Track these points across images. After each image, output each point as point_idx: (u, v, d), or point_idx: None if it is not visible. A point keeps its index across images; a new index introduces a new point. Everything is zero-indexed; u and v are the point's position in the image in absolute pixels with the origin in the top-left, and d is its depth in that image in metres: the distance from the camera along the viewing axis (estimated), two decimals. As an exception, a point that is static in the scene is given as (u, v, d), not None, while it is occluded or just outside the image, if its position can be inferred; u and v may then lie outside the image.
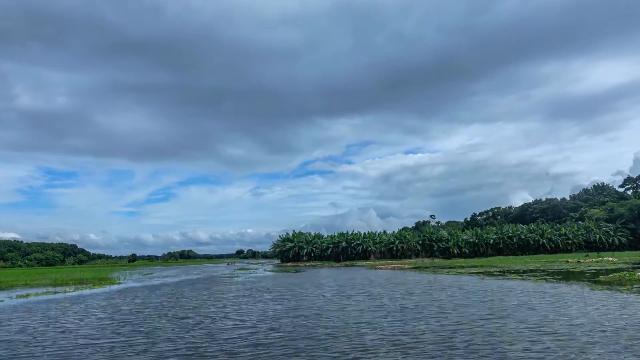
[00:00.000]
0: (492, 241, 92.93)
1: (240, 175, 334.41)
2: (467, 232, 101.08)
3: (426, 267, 47.99)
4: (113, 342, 10.58)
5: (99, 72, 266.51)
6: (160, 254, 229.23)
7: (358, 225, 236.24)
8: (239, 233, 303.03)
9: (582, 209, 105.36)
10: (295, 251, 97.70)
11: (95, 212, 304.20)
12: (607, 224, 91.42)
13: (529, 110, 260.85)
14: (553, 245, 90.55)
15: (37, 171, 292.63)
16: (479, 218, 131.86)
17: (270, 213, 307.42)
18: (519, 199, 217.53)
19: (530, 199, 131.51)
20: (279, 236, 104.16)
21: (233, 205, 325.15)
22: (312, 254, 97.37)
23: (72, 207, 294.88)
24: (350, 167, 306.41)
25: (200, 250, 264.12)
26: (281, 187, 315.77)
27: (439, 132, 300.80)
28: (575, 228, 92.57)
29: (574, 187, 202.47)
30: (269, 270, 57.22)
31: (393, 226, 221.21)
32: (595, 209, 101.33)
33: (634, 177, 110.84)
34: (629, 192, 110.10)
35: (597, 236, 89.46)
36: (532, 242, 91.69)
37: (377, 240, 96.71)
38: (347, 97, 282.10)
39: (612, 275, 24.76)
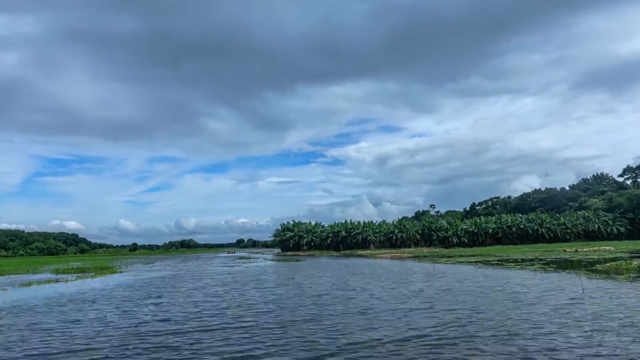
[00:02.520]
0: (491, 231, 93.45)
1: (230, 157, 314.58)
2: (467, 221, 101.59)
3: (425, 256, 48.35)
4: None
5: (27, 15, 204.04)
6: (160, 243, 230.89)
7: (352, 213, 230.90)
8: (235, 222, 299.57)
9: (582, 198, 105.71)
10: (295, 240, 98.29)
11: (92, 201, 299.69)
12: (606, 214, 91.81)
13: (556, 79, 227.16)
14: (552, 235, 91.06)
15: (26, 158, 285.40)
16: (478, 208, 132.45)
17: (265, 202, 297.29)
18: (528, 185, 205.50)
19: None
20: (281, 225, 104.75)
21: (229, 194, 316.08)
22: (312, 243, 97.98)
23: (67, 196, 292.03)
24: (346, 151, 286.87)
25: (200, 239, 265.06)
26: (276, 175, 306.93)
27: (450, 111, 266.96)
28: (574, 217, 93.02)
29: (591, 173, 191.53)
30: (270, 260, 57.66)
31: (389, 214, 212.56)
32: (595, 198, 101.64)
33: (634, 166, 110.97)
34: (628, 182, 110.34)
35: (596, 226, 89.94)
36: (531, 231, 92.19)
37: (377, 230, 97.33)
38: (344, 58, 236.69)
39: (609, 264, 24.99)
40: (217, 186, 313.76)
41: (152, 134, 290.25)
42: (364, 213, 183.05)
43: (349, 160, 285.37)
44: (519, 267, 26.99)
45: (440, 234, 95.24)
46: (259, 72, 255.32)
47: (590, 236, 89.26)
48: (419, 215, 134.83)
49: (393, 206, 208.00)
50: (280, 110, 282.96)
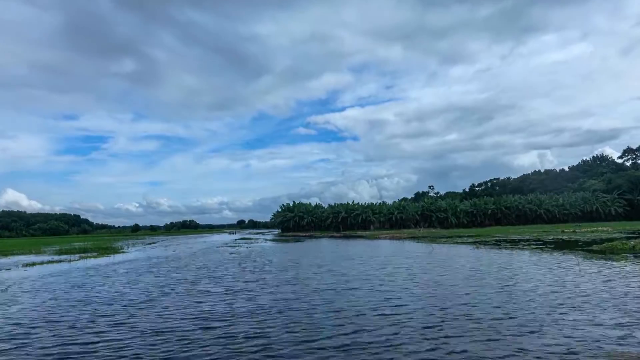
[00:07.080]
0: (490, 212, 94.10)
1: (211, 123, 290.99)
2: (466, 202, 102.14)
3: (424, 237, 48.85)
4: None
5: None
6: (162, 224, 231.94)
7: (344, 191, 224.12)
8: (224, 201, 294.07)
9: (581, 180, 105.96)
10: (295, 221, 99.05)
11: (92, 183, 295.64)
12: (604, 195, 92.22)
13: (628, 12, 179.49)
14: (550, 216, 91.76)
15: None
16: (477, 189, 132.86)
17: (253, 181, 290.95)
18: (540, 158, 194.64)
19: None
20: (281, 206, 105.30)
21: (219, 174, 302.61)
22: (312, 224, 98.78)
23: (67, 179, 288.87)
24: (337, 118, 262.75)
25: (202, 219, 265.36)
26: (263, 153, 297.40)
27: (482, 65, 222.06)
28: (573, 199, 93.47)
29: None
30: (269, 240, 58.24)
31: (384, 191, 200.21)
32: (594, 180, 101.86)
33: (634, 147, 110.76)
34: (628, 164, 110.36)
35: (594, 206, 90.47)
36: (529, 212, 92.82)
37: (377, 211, 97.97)
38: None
39: (605, 244, 25.29)
40: (205, 166, 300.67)
41: (90, 82, 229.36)
42: (357, 192, 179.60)
43: (342, 132, 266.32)
44: (517, 248, 27.33)
45: (439, 215, 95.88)
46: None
47: (589, 217, 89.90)
48: (418, 197, 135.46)
49: (387, 182, 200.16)
50: (254, 43, 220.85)
